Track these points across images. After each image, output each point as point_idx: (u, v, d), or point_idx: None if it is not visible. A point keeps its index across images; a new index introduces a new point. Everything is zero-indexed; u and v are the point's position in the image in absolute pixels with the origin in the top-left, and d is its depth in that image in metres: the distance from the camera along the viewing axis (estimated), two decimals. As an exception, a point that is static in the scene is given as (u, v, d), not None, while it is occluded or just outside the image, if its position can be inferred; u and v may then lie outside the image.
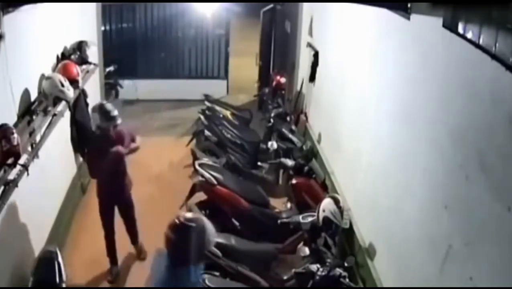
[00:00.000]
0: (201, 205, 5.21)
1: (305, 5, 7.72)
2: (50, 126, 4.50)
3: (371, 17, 4.49)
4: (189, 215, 2.91)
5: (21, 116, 4.03)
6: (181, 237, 2.76)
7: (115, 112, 4.62)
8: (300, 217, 4.60)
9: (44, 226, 4.75)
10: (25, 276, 3.60)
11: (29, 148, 4.04)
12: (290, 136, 6.71)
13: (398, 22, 3.69)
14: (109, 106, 4.65)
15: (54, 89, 4.49)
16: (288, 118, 7.19)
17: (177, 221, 2.80)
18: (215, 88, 9.62)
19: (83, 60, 5.87)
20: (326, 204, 4.29)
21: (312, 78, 6.99)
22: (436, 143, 3.08)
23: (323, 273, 3.88)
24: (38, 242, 4.27)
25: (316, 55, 6.81)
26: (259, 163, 6.82)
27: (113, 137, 4.65)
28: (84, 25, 6.75)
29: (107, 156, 4.55)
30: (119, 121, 4.65)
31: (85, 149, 6.14)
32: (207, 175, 5.15)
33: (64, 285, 3.40)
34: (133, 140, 4.89)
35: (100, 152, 4.56)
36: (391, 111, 3.93)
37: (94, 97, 6.88)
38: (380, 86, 4.26)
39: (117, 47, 9.60)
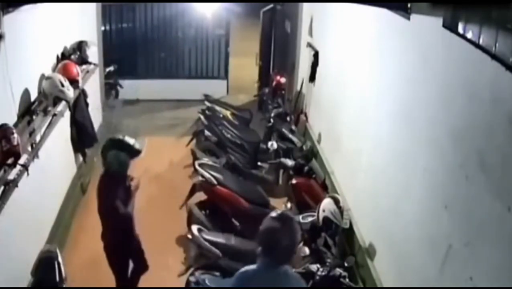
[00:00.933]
0: (201, 205, 5.22)
1: (305, 5, 7.72)
2: (50, 126, 4.50)
3: (371, 17, 4.49)
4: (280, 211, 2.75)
5: (21, 116, 4.03)
6: (290, 229, 2.60)
7: (138, 144, 4.00)
8: (300, 217, 4.59)
9: (44, 226, 4.75)
10: (24, 276, 3.60)
11: (29, 148, 4.04)
12: (290, 136, 6.71)
13: (398, 22, 3.69)
14: (127, 138, 4.02)
15: (54, 89, 4.49)
16: (288, 118, 7.19)
17: (282, 215, 2.66)
18: (215, 88, 9.62)
19: (83, 60, 5.87)
20: (326, 204, 4.29)
21: (312, 78, 6.99)
22: (436, 143, 3.08)
23: (323, 273, 3.88)
24: (38, 242, 4.27)
25: (316, 55, 6.81)
26: (259, 163, 6.82)
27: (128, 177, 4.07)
28: (84, 25, 6.75)
29: (131, 198, 4.03)
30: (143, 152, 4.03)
31: (85, 149, 6.20)
32: (207, 175, 5.16)
33: (64, 285, 3.40)
34: None
35: (120, 195, 3.91)
36: (391, 111, 3.93)
37: (94, 97, 6.89)
38: (380, 86, 4.26)
39: (117, 47, 9.60)
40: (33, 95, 4.42)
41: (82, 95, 5.79)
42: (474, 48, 2.54)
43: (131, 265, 4.36)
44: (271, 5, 9.49)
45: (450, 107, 2.91)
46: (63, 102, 4.70)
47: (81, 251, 5.19)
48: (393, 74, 3.94)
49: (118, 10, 9.69)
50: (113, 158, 3.91)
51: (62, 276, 3.39)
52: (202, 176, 5.18)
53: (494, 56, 2.35)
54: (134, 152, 3.98)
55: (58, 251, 3.54)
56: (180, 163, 7.19)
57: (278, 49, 9.67)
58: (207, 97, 7.69)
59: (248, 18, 12.71)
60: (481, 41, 2.49)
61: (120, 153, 3.91)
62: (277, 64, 9.69)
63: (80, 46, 5.91)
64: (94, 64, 6.40)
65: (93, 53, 6.31)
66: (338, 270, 3.89)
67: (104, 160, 3.97)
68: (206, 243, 4.21)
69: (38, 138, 4.24)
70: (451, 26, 2.85)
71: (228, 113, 7.56)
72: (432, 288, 3.05)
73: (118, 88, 9.19)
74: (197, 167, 5.31)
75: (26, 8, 3.89)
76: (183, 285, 4.22)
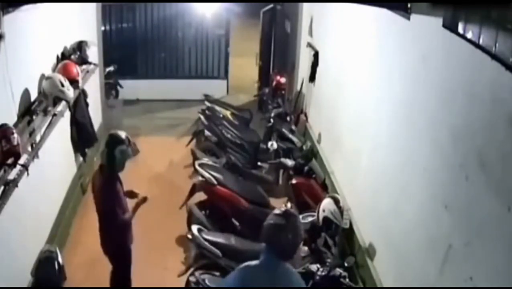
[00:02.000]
0: (201, 205, 5.22)
1: (305, 5, 7.72)
2: (50, 126, 4.50)
3: (371, 17, 4.49)
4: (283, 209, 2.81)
5: (21, 116, 4.03)
6: (294, 226, 2.67)
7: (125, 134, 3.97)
8: (300, 217, 4.59)
9: (44, 226, 4.75)
10: (25, 276, 3.60)
11: (29, 148, 4.04)
12: (290, 136, 6.71)
13: (398, 22, 3.69)
14: (117, 132, 3.97)
15: (54, 89, 4.49)
16: (288, 118, 7.20)
17: (286, 211, 2.74)
18: (215, 88, 9.62)
19: (83, 60, 5.86)
20: (326, 204, 4.29)
21: (312, 78, 7.00)
22: (436, 142, 3.08)
23: (323, 273, 3.88)
24: (38, 242, 4.27)
25: (316, 55, 6.81)
26: (259, 163, 6.82)
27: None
28: (84, 25, 6.75)
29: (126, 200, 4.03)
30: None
31: (85, 149, 6.20)
32: (207, 175, 5.16)
33: (64, 285, 3.41)
34: None
35: (120, 195, 3.95)
36: (391, 111, 3.93)
37: (94, 97, 6.88)
38: (380, 86, 4.26)
39: (117, 47, 9.60)
40: (33, 95, 4.42)
41: (82, 95, 5.79)
42: (474, 48, 2.54)
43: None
44: (271, 5, 9.50)
45: (450, 107, 2.91)
46: (63, 102, 4.70)
47: (81, 251, 5.19)
48: (393, 74, 3.93)
49: (118, 10, 9.69)
50: (120, 153, 3.86)
51: (62, 276, 3.40)
52: (202, 176, 5.18)
53: (494, 56, 2.35)
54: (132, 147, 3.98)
55: (58, 251, 3.55)
56: (180, 163, 7.19)
57: (278, 49, 9.67)
58: (207, 97, 7.69)
59: (248, 18, 12.71)
60: (481, 41, 2.49)
61: (126, 148, 3.89)
62: (277, 64, 9.69)
63: (80, 46, 5.91)
64: (94, 64, 6.40)
65: (93, 53, 6.31)
66: (338, 270, 3.89)
67: (108, 156, 3.88)
68: (206, 243, 4.21)
69: (38, 138, 4.24)
70: (451, 26, 2.85)
71: (228, 113, 7.56)
72: (432, 288, 3.05)
73: (118, 88, 9.19)
74: (197, 167, 5.31)
75: (26, 8, 3.89)
76: (183, 285, 4.22)
